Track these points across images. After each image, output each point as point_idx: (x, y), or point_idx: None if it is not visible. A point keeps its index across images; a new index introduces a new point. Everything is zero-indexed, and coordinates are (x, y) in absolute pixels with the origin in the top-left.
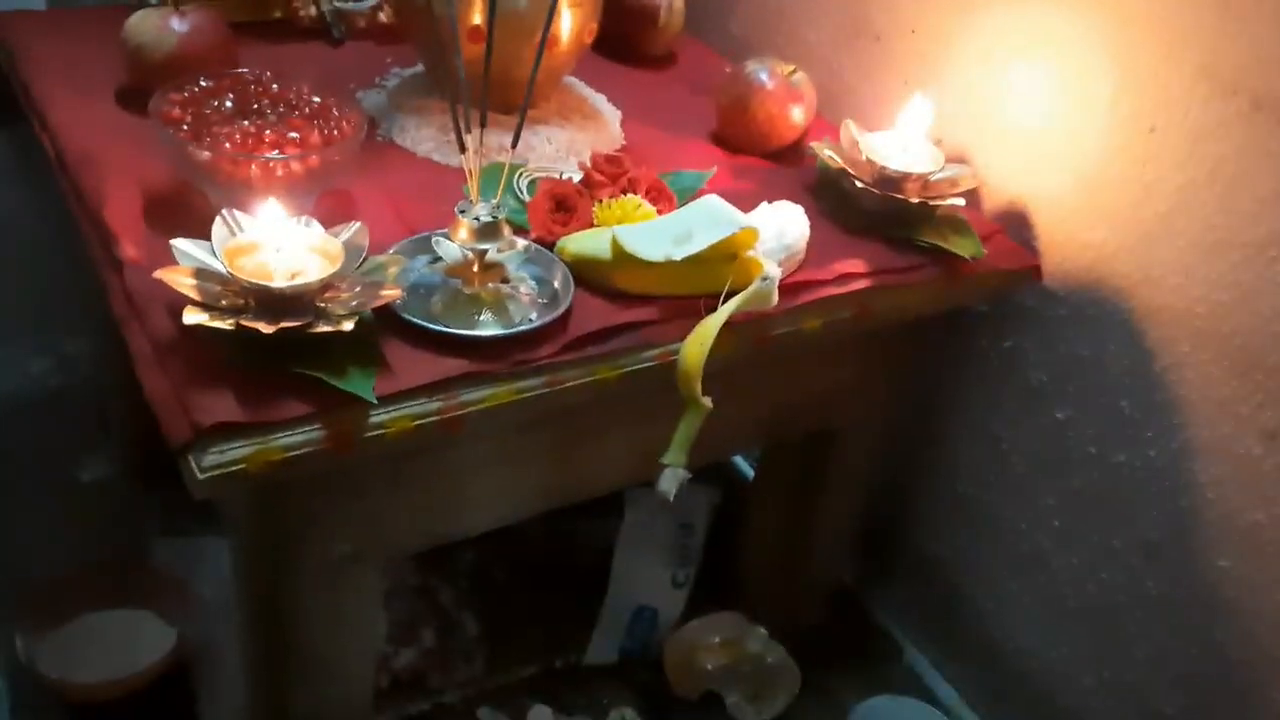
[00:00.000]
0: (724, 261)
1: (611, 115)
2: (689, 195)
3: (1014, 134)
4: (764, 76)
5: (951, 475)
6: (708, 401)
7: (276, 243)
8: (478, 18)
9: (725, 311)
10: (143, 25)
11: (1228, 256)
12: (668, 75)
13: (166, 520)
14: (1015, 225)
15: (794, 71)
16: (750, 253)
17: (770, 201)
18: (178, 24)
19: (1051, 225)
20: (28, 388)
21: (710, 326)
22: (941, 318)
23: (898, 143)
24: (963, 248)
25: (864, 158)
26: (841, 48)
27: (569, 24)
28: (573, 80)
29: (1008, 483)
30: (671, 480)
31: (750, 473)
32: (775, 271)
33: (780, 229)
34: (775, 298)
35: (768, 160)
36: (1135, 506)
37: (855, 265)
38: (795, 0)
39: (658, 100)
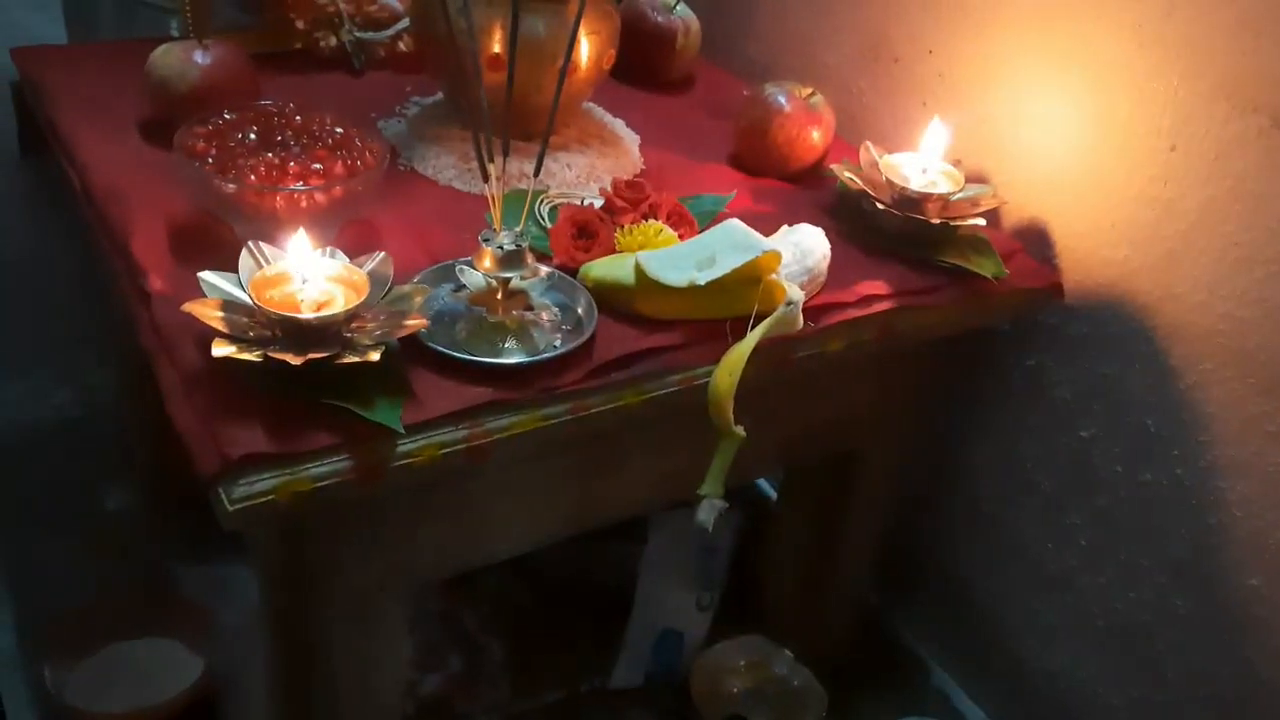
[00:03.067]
0: (747, 285)
1: (631, 140)
2: (709, 219)
3: (1033, 153)
4: (782, 99)
5: (976, 494)
6: (741, 430)
7: (303, 274)
8: (497, 46)
9: (753, 339)
10: (166, 59)
11: (1251, 273)
12: (686, 99)
13: (191, 549)
14: (1036, 244)
15: (812, 94)
16: (773, 276)
17: (791, 224)
18: (201, 57)
19: (1073, 243)
20: (51, 417)
21: (739, 355)
22: (964, 337)
23: (917, 164)
24: (984, 267)
25: (884, 179)
26: (860, 70)
27: (588, 51)
28: (592, 106)
29: (1033, 501)
30: (709, 511)
31: (774, 494)
32: (799, 295)
33: (802, 251)
34: (800, 321)
35: (787, 182)
36: (1163, 525)
37: (877, 286)
38: (812, 23)
39: (676, 124)
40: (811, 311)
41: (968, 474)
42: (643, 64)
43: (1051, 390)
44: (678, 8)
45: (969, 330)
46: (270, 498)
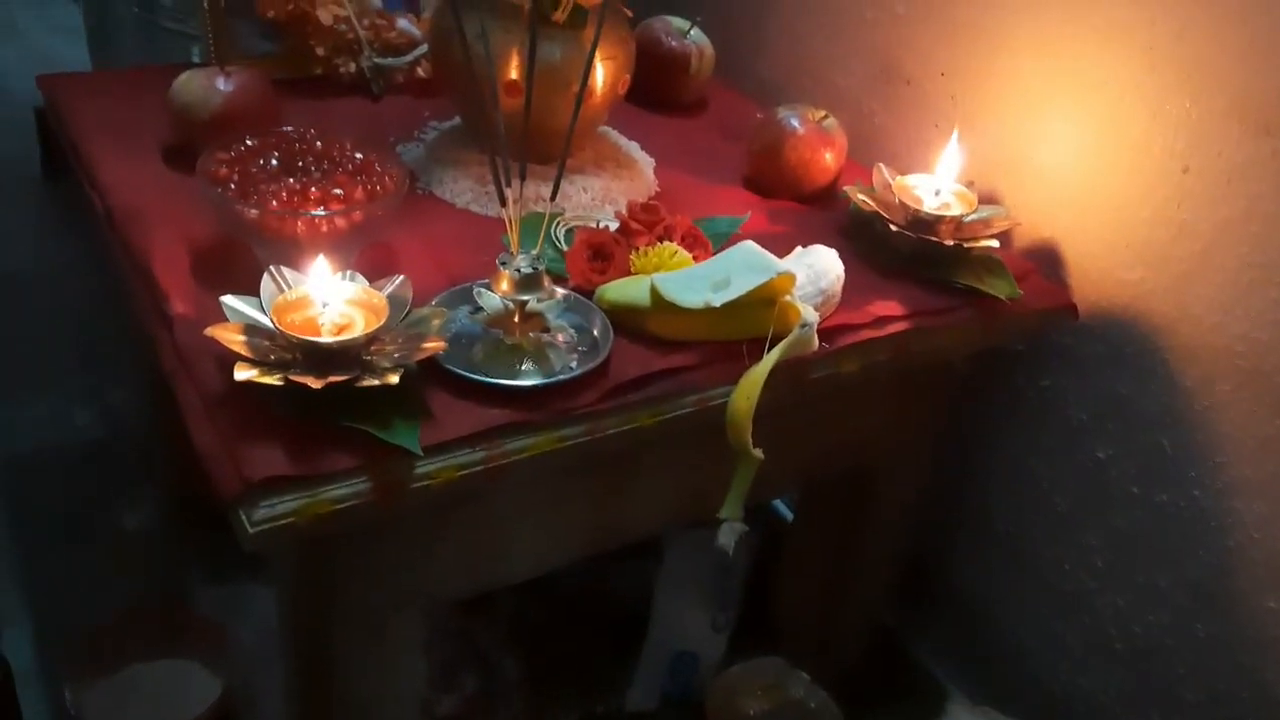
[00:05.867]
0: (761, 307)
1: (645, 163)
2: (724, 240)
3: (1046, 175)
4: (795, 122)
5: (992, 514)
6: (759, 453)
7: (323, 298)
8: (514, 72)
9: (769, 361)
10: (189, 85)
11: (1266, 294)
12: (700, 122)
13: (209, 568)
14: (1050, 265)
15: (825, 117)
16: (788, 298)
17: (805, 245)
18: (223, 84)
19: (1087, 264)
20: (72, 437)
21: (756, 377)
22: (979, 357)
23: (930, 185)
24: (998, 288)
25: (897, 201)
26: (871, 91)
27: (603, 76)
28: (607, 129)
29: (1049, 522)
30: (730, 534)
31: (789, 515)
32: (813, 317)
33: (816, 273)
34: (816, 343)
35: (801, 204)
36: (1181, 546)
37: (891, 307)
38: (824, 45)
39: (690, 146)
40: (826, 332)
41: (983, 494)
42: (657, 88)
43: (1066, 410)
44: (691, 32)
45: (984, 351)
46: (291, 520)
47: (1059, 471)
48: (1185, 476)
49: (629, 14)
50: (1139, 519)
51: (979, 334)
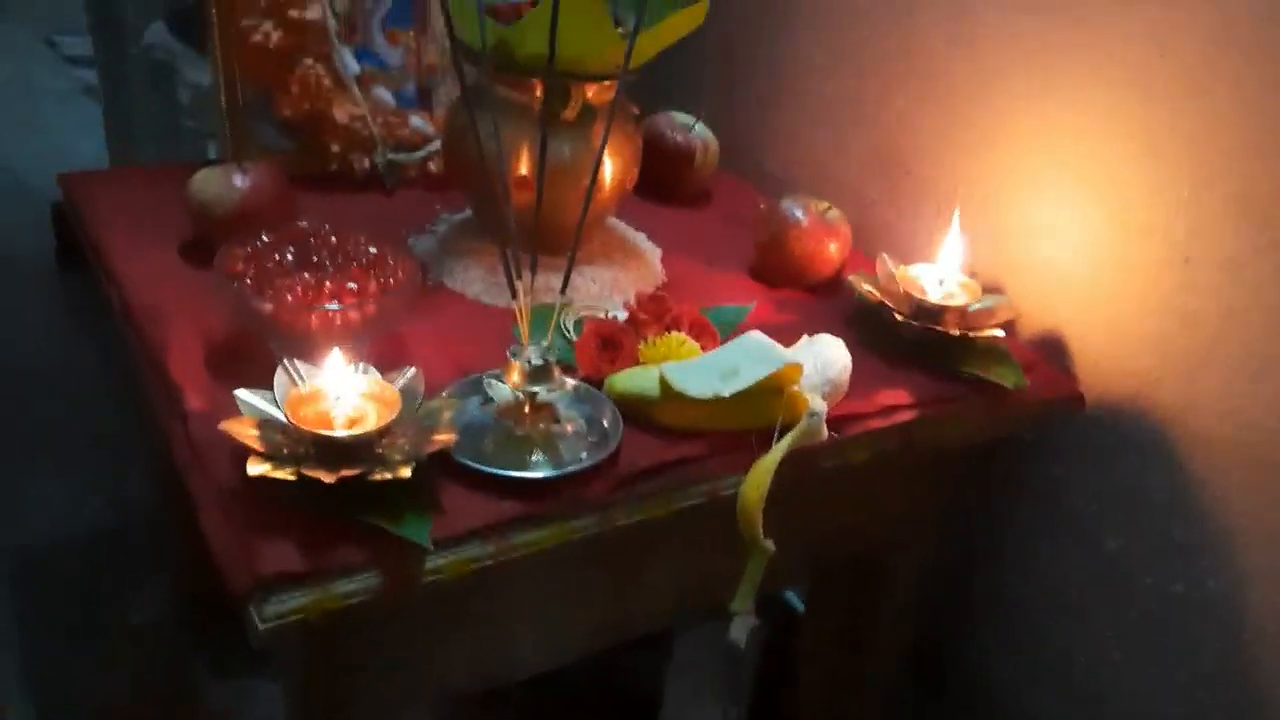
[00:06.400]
0: (770, 396)
1: (653, 253)
2: (731, 329)
3: (1050, 264)
4: (799, 213)
5: (1005, 604)
6: (770, 545)
7: (336, 391)
8: (525, 168)
9: (778, 452)
10: (207, 182)
11: (1275, 382)
12: (705, 213)
13: (216, 662)
14: (1056, 354)
15: (829, 208)
16: (795, 387)
17: (811, 334)
18: (240, 180)
19: (1093, 353)
20: (81, 527)
21: (765, 468)
22: (987, 446)
23: (934, 275)
24: (1005, 377)
25: (902, 290)
26: (873, 182)
27: (611, 171)
28: (615, 221)
29: (1062, 613)
30: (742, 628)
31: (799, 605)
32: (821, 406)
33: (823, 362)
34: (824, 432)
35: (806, 293)
36: (1197, 638)
37: (898, 396)
38: (826, 138)
39: (696, 237)
40: (834, 422)
41: (995, 584)
42: (664, 181)
43: (1076, 499)
44: (696, 127)
45: (992, 440)
46: (300, 615)
47: (1070, 561)
48: (1198, 566)
49: (636, 110)
50: (1154, 610)
51: (986, 423)
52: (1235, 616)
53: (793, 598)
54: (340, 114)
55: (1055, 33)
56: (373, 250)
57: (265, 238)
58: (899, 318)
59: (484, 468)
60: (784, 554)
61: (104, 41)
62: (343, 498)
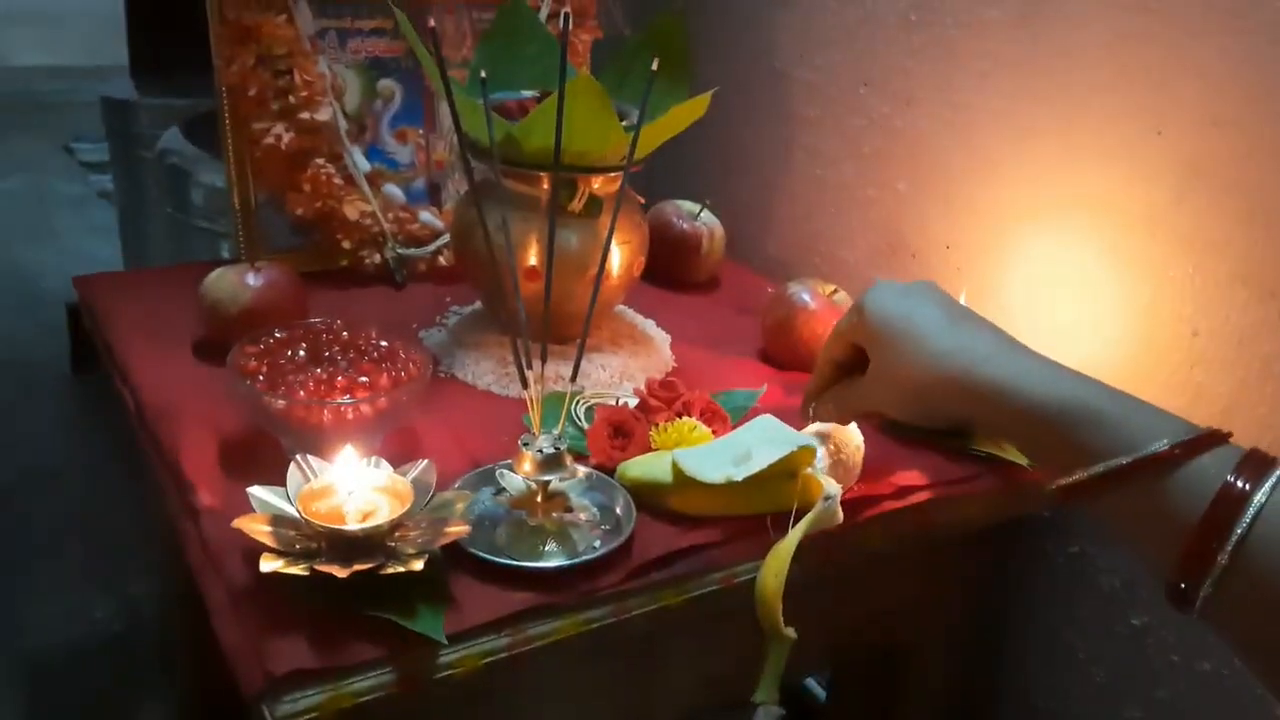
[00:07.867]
0: (783, 480)
1: (662, 339)
2: (742, 413)
3: (1057, 343)
4: (806, 297)
5: (1030, 687)
6: (791, 632)
7: (349, 485)
8: (533, 259)
9: (795, 537)
10: (220, 283)
11: None
12: (712, 298)
13: None
14: None
15: (835, 291)
16: (809, 470)
17: None
18: (253, 279)
19: None
20: (92, 632)
21: (783, 554)
22: (1005, 525)
23: None
24: (1019, 455)
25: None
26: (878, 265)
27: (619, 260)
28: (623, 309)
29: (1088, 694)
30: (767, 719)
31: (821, 694)
32: (836, 489)
33: (836, 444)
34: (840, 515)
35: None
36: (1227, 717)
37: (913, 477)
38: (830, 223)
39: (705, 323)
40: (849, 504)
41: (1019, 664)
42: (671, 268)
43: (1098, 578)
44: (702, 214)
45: (1009, 518)
46: (314, 715)
47: (1095, 641)
48: (1225, 643)
49: (641, 200)
50: (1182, 690)
51: (1003, 501)
52: (1265, 696)
53: (813, 684)
54: (351, 211)
55: (1049, 120)
56: (384, 344)
57: (277, 334)
58: None
59: (497, 559)
60: (804, 642)
61: (119, 147)
62: (356, 593)
